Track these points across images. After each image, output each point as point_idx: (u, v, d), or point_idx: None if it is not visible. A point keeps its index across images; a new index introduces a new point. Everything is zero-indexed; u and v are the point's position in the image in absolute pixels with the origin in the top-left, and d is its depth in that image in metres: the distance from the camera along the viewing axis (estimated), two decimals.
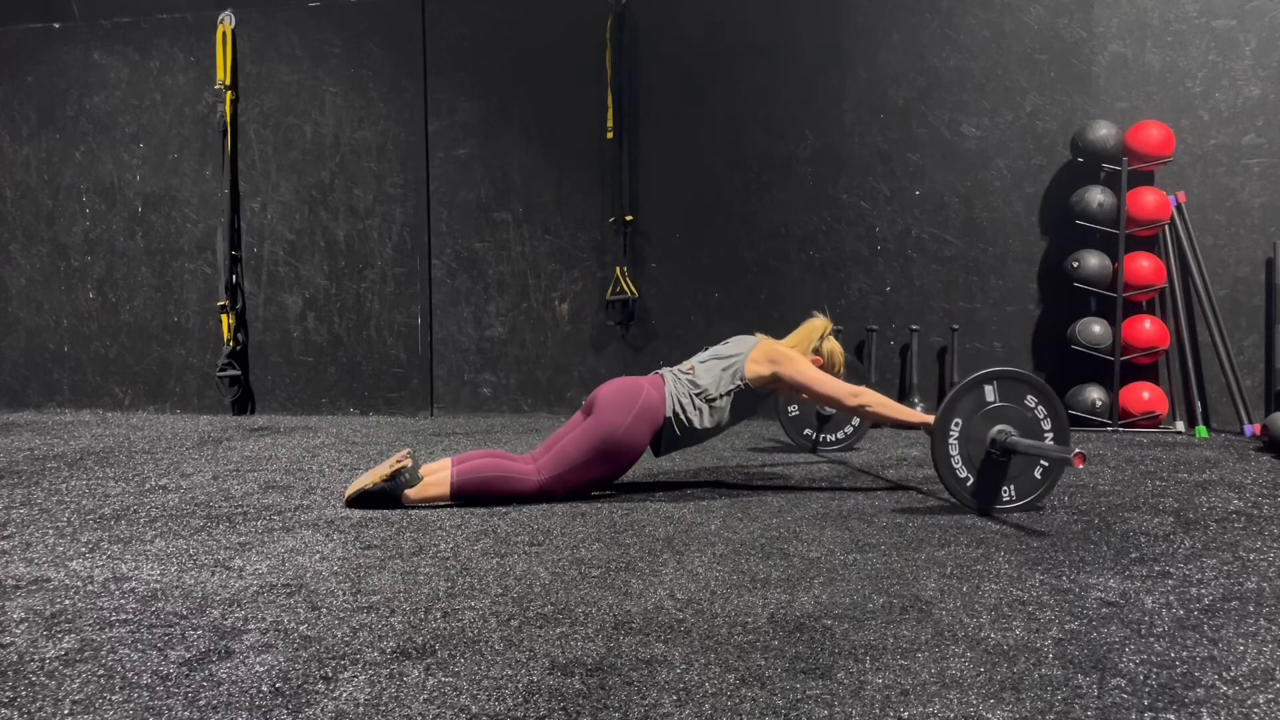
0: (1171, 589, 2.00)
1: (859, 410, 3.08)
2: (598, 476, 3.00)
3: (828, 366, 3.24)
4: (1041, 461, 2.77)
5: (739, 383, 3.05)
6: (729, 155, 5.30)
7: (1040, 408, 2.77)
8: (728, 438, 4.54)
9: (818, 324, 3.27)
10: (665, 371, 3.14)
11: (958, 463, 2.75)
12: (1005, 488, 2.76)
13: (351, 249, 5.69)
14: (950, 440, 2.74)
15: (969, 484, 2.76)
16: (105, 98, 5.90)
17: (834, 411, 3.94)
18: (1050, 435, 2.76)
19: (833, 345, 3.27)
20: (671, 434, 3.05)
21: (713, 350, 3.20)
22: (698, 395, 3.05)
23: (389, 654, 1.65)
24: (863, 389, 3.07)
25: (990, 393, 2.75)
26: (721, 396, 3.06)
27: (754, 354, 3.08)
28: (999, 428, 2.73)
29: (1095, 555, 2.28)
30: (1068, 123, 4.92)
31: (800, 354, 3.17)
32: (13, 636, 1.76)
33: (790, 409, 4.05)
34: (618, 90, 5.32)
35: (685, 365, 3.15)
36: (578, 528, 2.62)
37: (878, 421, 3.15)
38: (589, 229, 5.45)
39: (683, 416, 3.03)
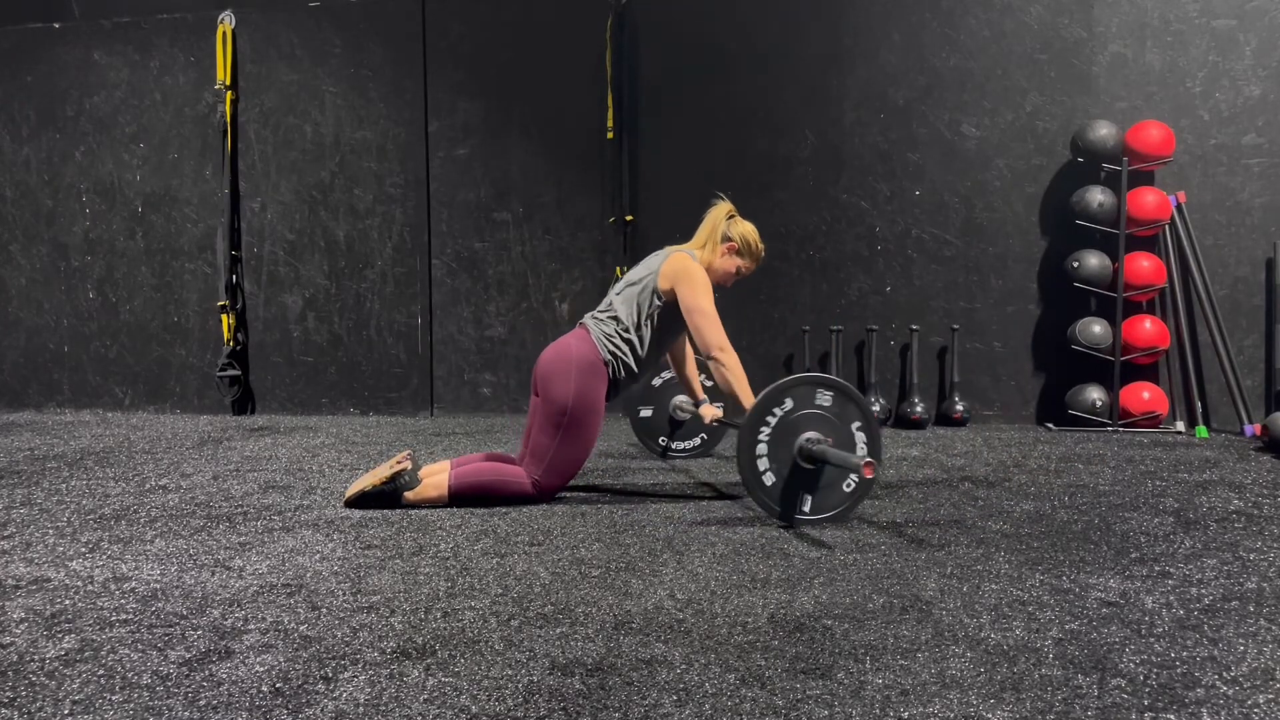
0: (1171, 589, 2.00)
1: (714, 362, 2.89)
2: (579, 452, 2.94)
3: (744, 249, 3.08)
4: (852, 474, 2.64)
5: (657, 301, 2.97)
6: (729, 155, 5.30)
7: (856, 416, 2.64)
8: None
9: (720, 210, 3.11)
10: (586, 319, 3.06)
11: (765, 471, 2.61)
12: (809, 497, 2.63)
13: (351, 249, 5.69)
14: (759, 443, 2.60)
15: (772, 489, 2.62)
16: (105, 98, 5.90)
17: (688, 416, 3.83)
18: (863, 446, 2.65)
19: (742, 226, 3.10)
20: (616, 378, 2.98)
21: (626, 276, 3.11)
22: (621, 330, 2.98)
23: (389, 654, 1.65)
24: (731, 349, 2.90)
25: (804, 397, 2.62)
26: (644, 322, 2.97)
27: (663, 269, 2.97)
28: (808, 435, 2.60)
29: (1095, 555, 2.28)
30: (1068, 123, 4.92)
31: (711, 255, 3.04)
32: (13, 636, 1.76)
33: (642, 410, 3.90)
34: (618, 90, 5.32)
35: (603, 303, 3.08)
36: (578, 528, 2.62)
37: (721, 383, 2.92)
38: (589, 229, 5.45)
39: (619, 355, 2.96)
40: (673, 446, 3.95)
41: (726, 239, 3.08)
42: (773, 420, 2.61)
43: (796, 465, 2.61)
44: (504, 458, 3.08)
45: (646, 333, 2.99)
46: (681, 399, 3.86)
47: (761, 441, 2.61)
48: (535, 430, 2.95)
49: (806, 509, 2.64)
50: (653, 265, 3.05)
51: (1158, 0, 4.83)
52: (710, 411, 3.41)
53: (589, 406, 2.91)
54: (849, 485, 2.66)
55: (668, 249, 3.09)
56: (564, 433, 2.90)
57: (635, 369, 3.01)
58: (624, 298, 3.03)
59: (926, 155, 5.09)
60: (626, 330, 2.98)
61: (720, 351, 2.89)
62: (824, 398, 2.64)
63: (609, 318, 3.02)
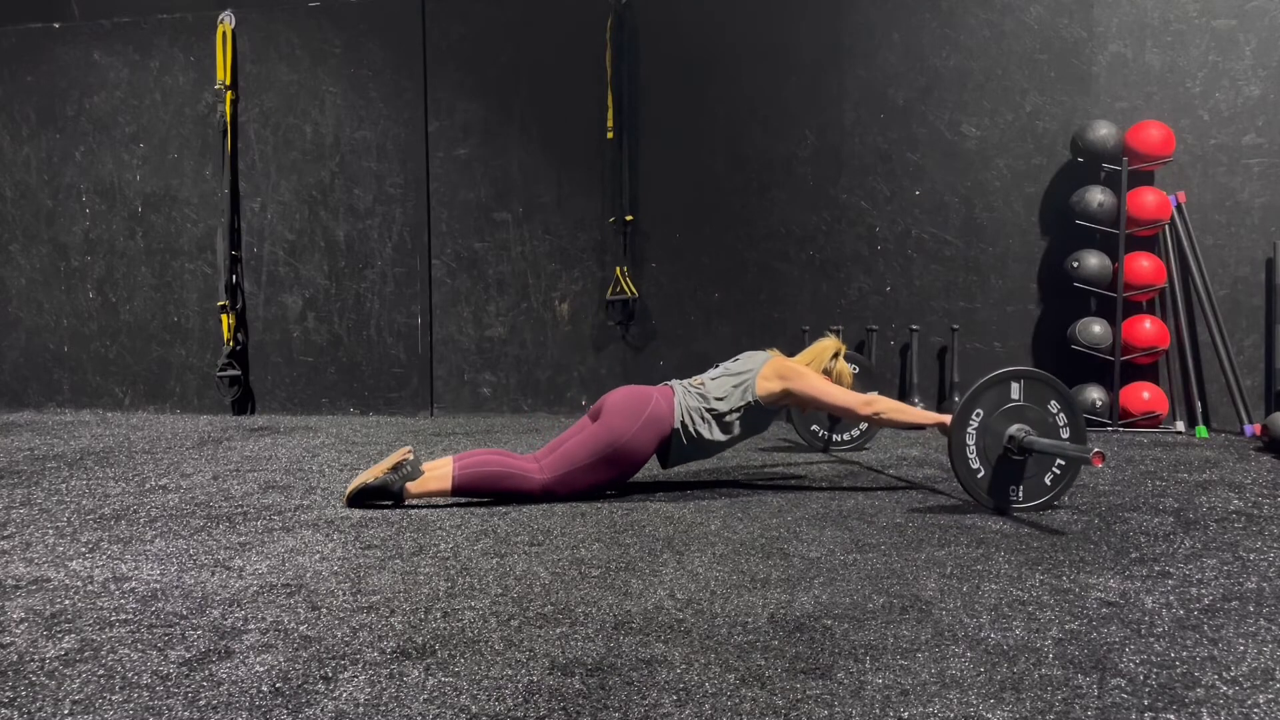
0: (1171, 589, 2.00)
1: (873, 418, 3.08)
2: (601, 481, 3.01)
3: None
4: (1056, 464, 2.77)
5: (749, 399, 3.06)
6: (729, 155, 5.30)
7: (1061, 412, 2.76)
8: None
9: (829, 344, 3.30)
10: (675, 383, 3.15)
11: (974, 458, 2.75)
12: (1018, 487, 2.77)
13: (351, 249, 5.69)
14: (969, 435, 2.74)
15: (983, 480, 2.76)
16: (105, 98, 5.90)
17: None
18: (1067, 439, 2.76)
19: (842, 367, 3.29)
20: (680, 445, 3.06)
21: (724, 366, 3.22)
22: (707, 410, 3.06)
23: (389, 654, 1.65)
24: (874, 396, 3.10)
25: (1013, 391, 2.75)
26: (731, 412, 3.07)
27: (765, 370, 3.10)
28: (1017, 426, 2.73)
29: (1095, 555, 2.28)
30: (1068, 123, 4.92)
31: (812, 370, 3.19)
32: (13, 636, 1.76)
33: None
34: (618, 90, 5.32)
35: (696, 380, 3.17)
36: (578, 528, 2.62)
37: (895, 428, 3.16)
38: (589, 229, 5.45)
39: (691, 429, 3.04)
40: (834, 440, 4.09)
41: (826, 371, 3.25)
42: (980, 414, 2.74)
43: (1005, 456, 2.74)
44: (508, 454, 3.09)
45: (731, 422, 3.08)
46: None
47: (971, 433, 2.74)
48: (575, 443, 3.00)
49: (1018, 498, 2.77)
50: (753, 364, 3.15)
51: (1158, 0, 4.82)
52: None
53: (634, 453, 2.98)
54: (1054, 474, 2.77)
55: (770, 351, 3.23)
56: (601, 460, 2.96)
57: (704, 443, 3.09)
58: (719, 384, 3.12)
59: (926, 155, 5.09)
60: (713, 412, 3.06)
61: (869, 405, 3.07)
62: (1031, 390, 2.76)
63: (698, 394, 3.09)
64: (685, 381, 3.16)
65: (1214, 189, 4.79)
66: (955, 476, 2.81)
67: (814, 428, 4.10)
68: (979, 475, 2.76)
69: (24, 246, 6.06)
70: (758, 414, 3.10)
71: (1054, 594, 1.96)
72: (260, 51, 5.74)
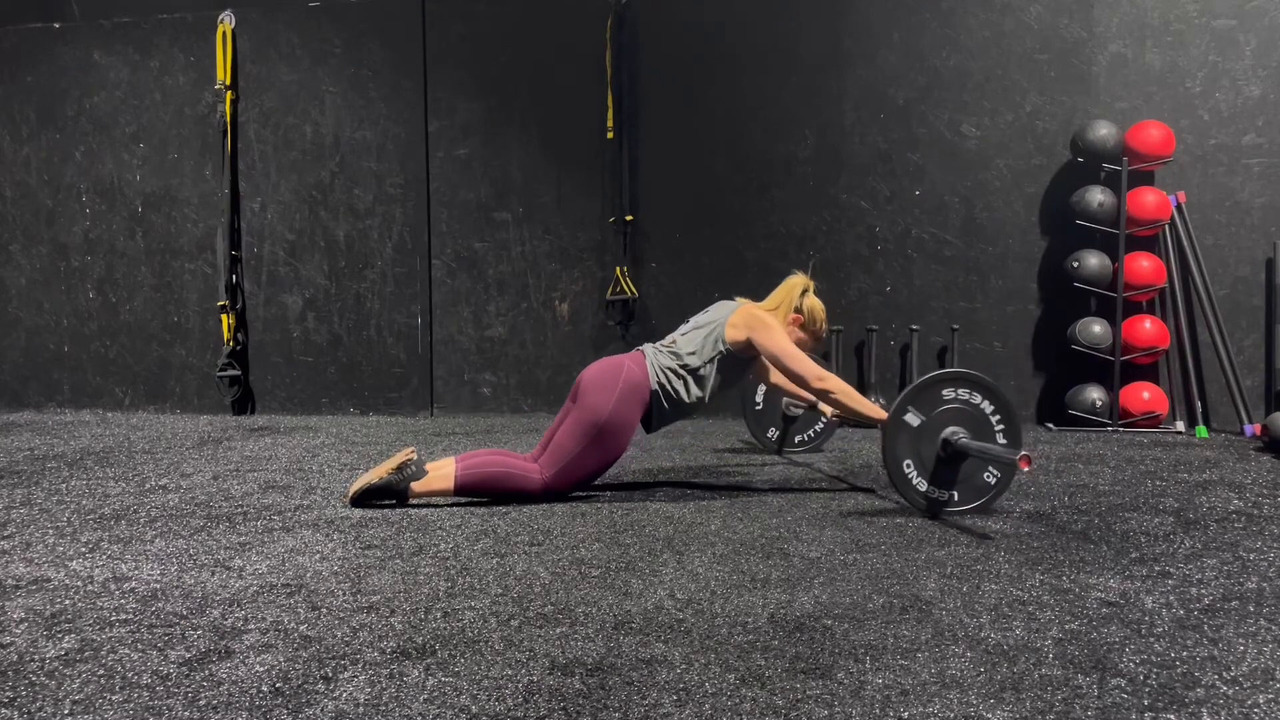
0: (1171, 589, 2.00)
1: (822, 394, 2.97)
2: (597, 463, 2.96)
3: (809, 324, 3.17)
4: (992, 468, 2.72)
5: (721, 348, 3.00)
6: (729, 155, 5.30)
7: (997, 415, 2.70)
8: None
9: (797, 281, 3.19)
10: (646, 346, 3.09)
11: (909, 464, 2.69)
12: (953, 490, 2.71)
13: (351, 249, 5.69)
14: (902, 439, 2.68)
15: (917, 481, 2.70)
16: (105, 98, 5.90)
17: (800, 411, 3.87)
18: (1003, 440, 2.71)
19: (813, 302, 3.18)
20: (660, 408, 3.01)
21: (694, 320, 3.15)
22: (681, 367, 3.01)
23: (389, 654, 1.65)
24: (829, 374, 2.98)
25: (949, 393, 2.69)
26: (705, 365, 3.01)
27: (733, 319, 3.02)
28: (952, 429, 2.67)
29: (1095, 555, 2.28)
30: (1068, 123, 4.92)
31: (780, 319, 3.10)
32: (13, 636, 1.76)
33: (756, 402, 3.97)
34: (618, 90, 5.33)
35: (667, 339, 3.11)
36: (578, 528, 2.62)
37: (837, 410, 3.04)
38: (589, 229, 5.45)
39: (669, 388, 2.99)
40: (788, 442, 4.01)
41: (797, 310, 3.16)
42: (916, 416, 2.68)
43: (940, 458, 2.69)
44: (510, 454, 3.08)
45: (705, 375, 3.02)
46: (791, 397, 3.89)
47: (905, 435, 2.68)
48: (562, 432, 2.97)
49: (951, 502, 2.72)
50: (721, 313, 3.09)
51: (1158, 0, 4.83)
52: (829, 408, 3.42)
53: (622, 425, 2.93)
54: (990, 478, 2.73)
55: (738, 300, 3.15)
56: (590, 442, 2.91)
57: (684, 404, 3.03)
58: (689, 339, 3.07)
59: (926, 155, 5.09)
60: (686, 368, 3.01)
61: (821, 380, 2.95)
62: (967, 394, 2.70)
63: (670, 353, 3.05)
64: (657, 343, 3.12)
65: (1214, 189, 4.79)
66: (888, 477, 2.74)
67: (769, 431, 3.99)
68: (912, 476, 2.70)
69: (24, 246, 6.06)
70: (731, 363, 3.03)
71: (1054, 594, 1.96)
72: (260, 51, 5.74)
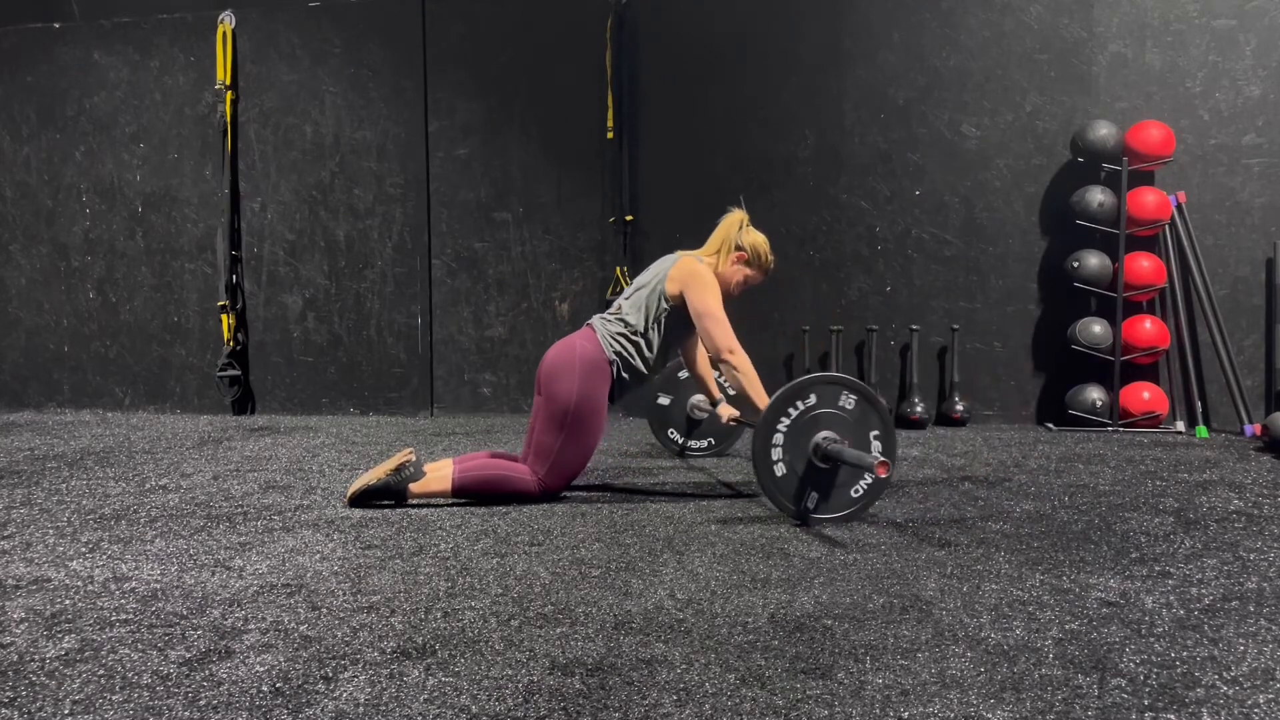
0: (1171, 589, 2.00)
1: (726, 366, 2.91)
2: (583, 450, 2.94)
3: (754, 260, 3.09)
4: (865, 475, 2.65)
5: (664, 305, 2.98)
6: (729, 155, 5.30)
7: (874, 420, 2.65)
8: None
9: (734, 218, 3.10)
10: (595, 319, 3.07)
11: (778, 463, 2.62)
12: (825, 496, 2.64)
13: (351, 249, 5.69)
14: (774, 442, 2.61)
15: (786, 485, 2.63)
16: (105, 98, 5.90)
17: (704, 416, 3.83)
18: (878, 446, 2.67)
19: (754, 236, 3.09)
20: (620, 378, 2.99)
21: (636, 279, 3.12)
22: (630, 332, 2.99)
23: (389, 654, 1.65)
24: (741, 350, 2.93)
25: (822, 397, 2.63)
26: (651, 325, 2.98)
27: (672, 272, 2.98)
28: (824, 434, 2.60)
29: (1095, 555, 2.28)
30: (1068, 123, 4.92)
31: (723, 262, 3.05)
32: (13, 636, 1.76)
33: (661, 398, 3.89)
34: (618, 90, 5.32)
35: (613, 306, 3.09)
36: (578, 528, 2.62)
37: (735, 387, 2.97)
38: (589, 229, 5.45)
39: (625, 355, 2.97)
40: (689, 445, 3.94)
41: (738, 248, 3.08)
42: (789, 417, 2.61)
43: (811, 463, 2.62)
44: (508, 456, 3.08)
45: (654, 336, 3.00)
46: (699, 398, 3.87)
47: (777, 437, 2.61)
48: (538, 429, 2.95)
49: (819, 507, 2.64)
50: (661, 269, 3.05)
51: (1158, 0, 4.83)
52: (727, 411, 3.42)
53: (593, 406, 2.91)
54: (862, 486, 2.67)
55: (677, 253, 3.09)
56: (568, 432, 2.90)
57: (641, 370, 3.01)
58: (632, 301, 3.04)
59: (926, 155, 5.09)
60: (635, 332, 2.99)
61: (730, 354, 2.90)
62: (843, 399, 2.65)
63: (616, 319, 3.03)
64: (602, 314, 3.09)
65: (1214, 189, 4.79)
66: (756, 480, 2.65)
67: (670, 432, 3.92)
68: (782, 480, 2.62)
69: (24, 246, 6.06)
70: (675, 319, 3.00)
71: (1054, 594, 1.96)
72: (260, 51, 5.74)
